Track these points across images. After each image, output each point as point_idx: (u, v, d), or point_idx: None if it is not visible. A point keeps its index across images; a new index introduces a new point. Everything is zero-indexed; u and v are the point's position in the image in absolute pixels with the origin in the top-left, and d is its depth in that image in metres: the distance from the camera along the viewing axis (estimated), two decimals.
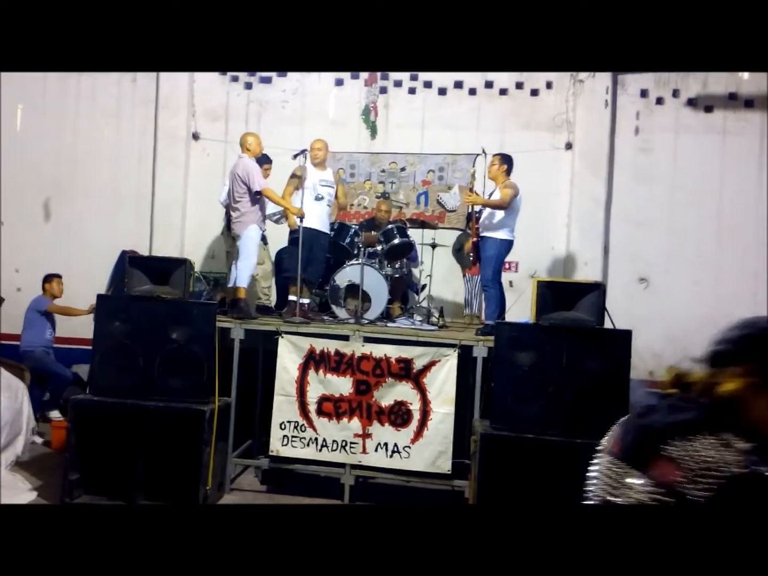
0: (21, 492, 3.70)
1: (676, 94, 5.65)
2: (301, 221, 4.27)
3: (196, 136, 6.04)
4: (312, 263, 4.43)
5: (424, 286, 5.02)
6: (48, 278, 5.15)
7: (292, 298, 4.41)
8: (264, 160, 4.89)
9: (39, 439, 4.75)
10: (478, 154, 5.05)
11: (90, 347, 3.78)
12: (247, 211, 4.27)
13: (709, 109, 5.62)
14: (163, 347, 3.66)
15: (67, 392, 4.71)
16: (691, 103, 5.64)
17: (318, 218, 4.41)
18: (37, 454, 4.50)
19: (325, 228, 4.50)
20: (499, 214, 4.16)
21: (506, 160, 4.27)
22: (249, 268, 4.28)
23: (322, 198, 4.43)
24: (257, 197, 4.25)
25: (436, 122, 5.80)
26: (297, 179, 4.42)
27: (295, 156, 4.31)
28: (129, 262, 3.90)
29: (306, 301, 4.48)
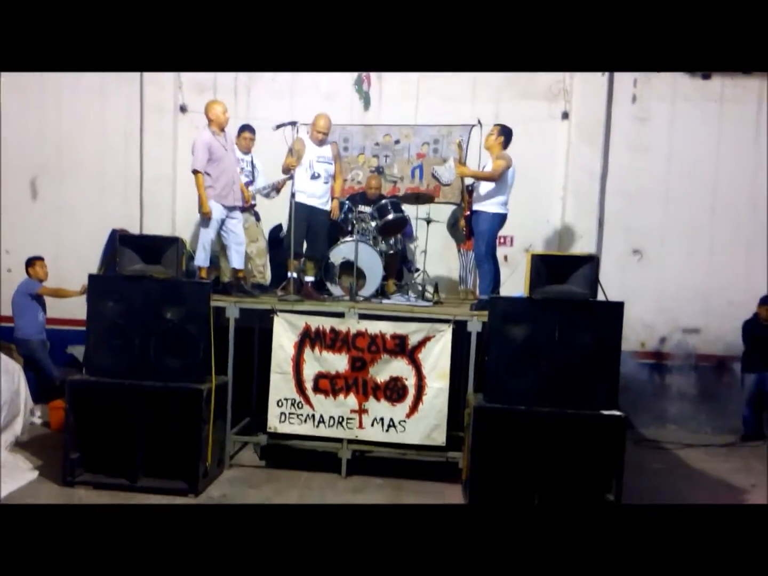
0: (22, 472, 3.75)
1: None
2: (293, 197, 4.20)
3: (183, 109, 5.90)
4: (315, 240, 4.38)
5: (417, 270, 4.99)
6: (30, 262, 5.04)
7: (292, 274, 4.38)
8: (246, 129, 4.76)
9: (38, 420, 4.78)
10: (473, 125, 4.96)
11: (84, 328, 3.77)
12: (206, 187, 4.08)
13: (706, 76, 5.52)
14: (157, 327, 3.65)
15: (64, 373, 4.72)
16: None
17: (316, 196, 4.33)
18: (37, 435, 4.55)
19: (323, 206, 4.42)
20: (492, 187, 4.11)
21: (505, 132, 4.18)
22: (201, 246, 4.18)
23: (319, 176, 4.33)
24: (213, 172, 4.03)
25: (431, 92, 5.66)
26: (298, 150, 4.23)
27: (277, 127, 4.07)
28: (120, 241, 3.85)
29: (311, 279, 4.44)
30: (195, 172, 4.05)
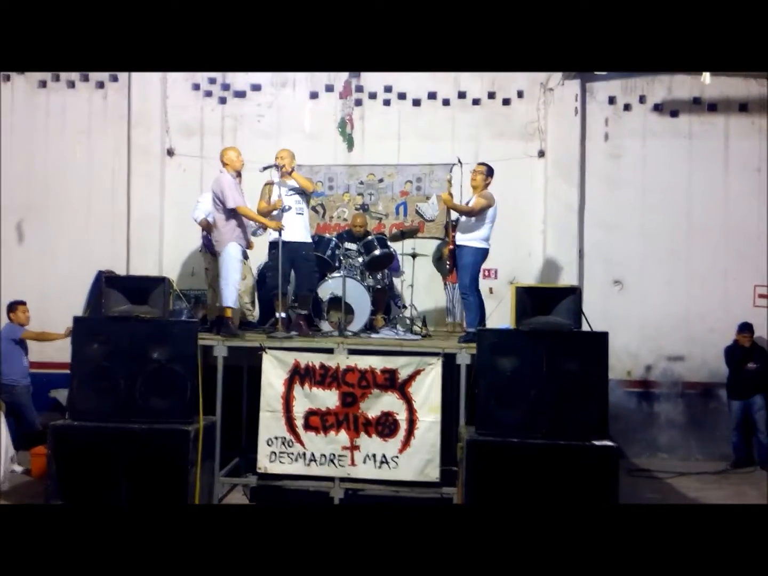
0: None
1: (642, 99, 5.83)
2: (280, 235, 4.25)
3: (170, 152, 6.00)
4: (299, 274, 4.38)
5: (404, 307, 5.04)
6: (12, 306, 4.97)
7: (281, 314, 4.37)
8: None
9: (19, 468, 4.62)
10: (454, 164, 5.13)
11: (68, 371, 3.71)
12: (224, 230, 4.20)
13: (674, 113, 5.82)
14: (144, 368, 3.61)
15: (45, 418, 4.60)
16: (658, 108, 5.83)
17: (292, 230, 4.30)
18: (18, 483, 4.39)
19: (302, 237, 4.39)
20: (475, 223, 4.23)
21: (491, 173, 4.33)
22: (231, 287, 4.17)
23: (290, 208, 4.33)
24: (232, 214, 4.18)
25: (412, 133, 5.87)
26: (267, 193, 4.37)
27: (264, 169, 4.27)
28: (106, 283, 3.84)
29: (304, 312, 4.42)
30: (237, 208, 4.13)
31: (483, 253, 4.27)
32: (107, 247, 5.85)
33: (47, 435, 3.57)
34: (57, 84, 6.01)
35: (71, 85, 6.01)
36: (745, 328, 5.32)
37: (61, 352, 4.65)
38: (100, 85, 6.00)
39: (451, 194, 4.32)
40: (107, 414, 3.56)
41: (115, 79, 5.97)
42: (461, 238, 4.27)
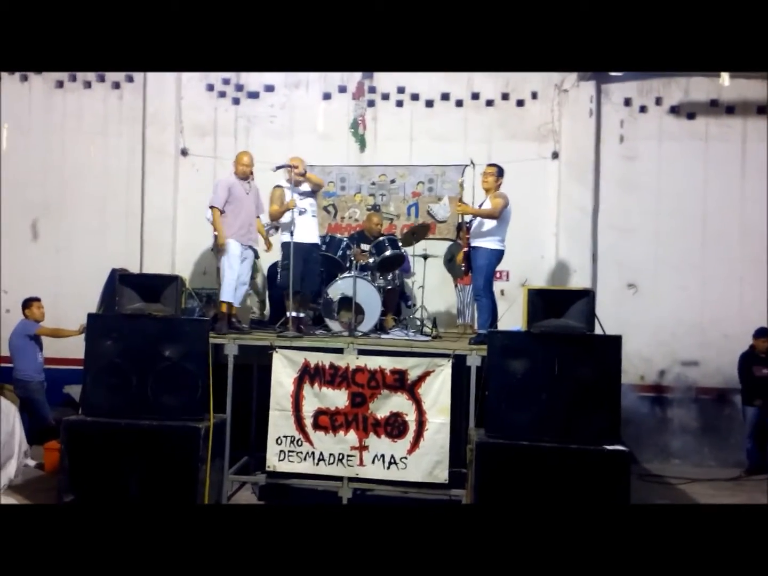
0: None
1: (658, 101, 5.77)
2: (291, 236, 4.27)
3: (184, 152, 6.05)
4: (307, 277, 4.43)
5: (412, 304, 5.03)
6: (27, 303, 5.06)
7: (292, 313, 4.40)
8: None
9: (32, 462, 4.68)
10: (466, 165, 5.11)
11: (81, 367, 3.75)
12: (224, 225, 4.32)
13: (691, 116, 5.74)
14: (156, 365, 3.64)
15: (58, 413, 4.65)
16: (674, 110, 5.76)
17: (306, 232, 4.39)
18: (31, 477, 4.45)
19: (314, 239, 4.50)
20: (490, 224, 4.21)
21: (502, 173, 4.32)
22: (228, 283, 4.29)
23: (305, 211, 4.43)
24: (233, 212, 4.31)
25: (424, 134, 5.86)
26: (279, 197, 4.43)
27: (277, 168, 4.34)
28: (119, 281, 3.88)
29: (302, 315, 4.49)
30: (212, 207, 4.32)
31: (498, 255, 4.25)
32: (121, 245, 5.92)
33: (60, 430, 3.61)
34: (73, 84, 6.10)
35: (87, 85, 6.09)
36: (762, 333, 5.24)
37: (75, 347, 4.70)
38: (116, 85, 6.07)
39: (461, 200, 4.32)
40: (119, 410, 3.60)
41: (130, 79, 6.04)
42: (477, 240, 4.26)
